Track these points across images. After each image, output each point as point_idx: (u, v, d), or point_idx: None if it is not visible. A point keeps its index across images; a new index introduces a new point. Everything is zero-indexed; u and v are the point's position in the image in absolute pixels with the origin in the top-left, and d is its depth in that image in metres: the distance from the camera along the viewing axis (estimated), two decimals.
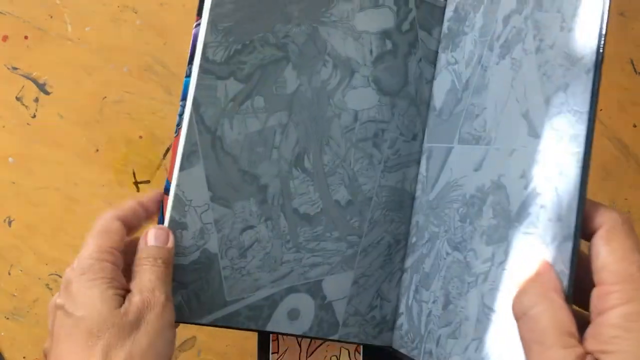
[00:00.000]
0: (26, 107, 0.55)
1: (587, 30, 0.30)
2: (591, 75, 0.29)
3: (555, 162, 0.30)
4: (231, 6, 0.38)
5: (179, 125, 0.39)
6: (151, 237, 0.36)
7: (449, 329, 0.36)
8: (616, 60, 0.55)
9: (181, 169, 0.38)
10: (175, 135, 0.39)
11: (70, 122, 0.55)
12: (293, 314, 0.41)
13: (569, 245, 0.29)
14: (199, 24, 0.38)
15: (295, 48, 0.40)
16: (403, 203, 0.42)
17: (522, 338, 0.29)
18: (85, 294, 0.33)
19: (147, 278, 0.35)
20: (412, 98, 0.42)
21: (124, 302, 0.34)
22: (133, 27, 0.56)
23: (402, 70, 0.42)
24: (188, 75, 0.39)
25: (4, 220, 0.55)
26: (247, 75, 0.39)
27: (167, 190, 0.39)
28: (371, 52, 0.41)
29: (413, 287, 0.40)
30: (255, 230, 0.39)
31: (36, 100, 0.55)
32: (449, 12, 0.42)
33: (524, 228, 0.32)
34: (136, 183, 0.55)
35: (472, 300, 0.35)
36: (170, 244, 0.37)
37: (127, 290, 0.35)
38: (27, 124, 0.55)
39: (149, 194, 0.39)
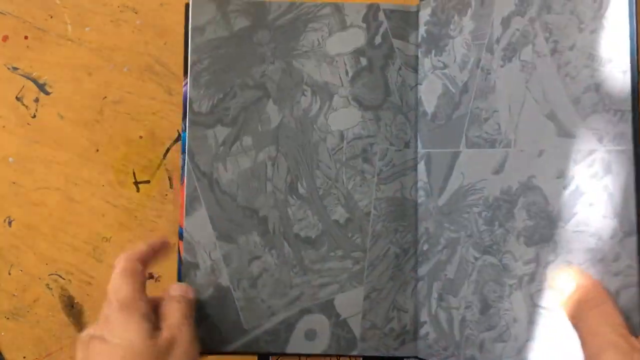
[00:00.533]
0: (26, 107, 0.55)
1: (614, 31, 0.30)
2: (629, 75, 0.29)
3: (600, 160, 0.30)
4: (208, 61, 0.42)
5: (183, 175, 0.42)
6: (174, 290, 0.41)
7: (494, 333, 0.36)
8: None
9: (187, 214, 0.41)
10: (181, 184, 0.42)
11: (70, 122, 0.55)
12: (310, 334, 0.41)
13: (633, 240, 0.30)
14: (187, 83, 0.42)
15: (273, 84, 0.42)
16: (406, 211, 0.42)
17: (578, 331, 0.31)
18: (122, 325, 0.37)
19: (174, 316, 0.38)
20: (398, 107, 0.42)
21: (154, 336, 0.37)
22: (133, 27, 0.56)
23: (381, 82, 0.42)
24: (184, 130, 0.42)
25: (4, 220, 0.54)
26: (232, 119, 0.42)
27: (181, 236, 0.42)
28: (347, 72, 0.42)
29: (435, 295, 0.40)
30: (261, 260, 0.42)
31: (36, 100, 0.55)
32: (424, 16, 0.42)
33: (573, 227, 0.32)
34: (136, 183, 0.55)
35: (518, 301, 0.34)
36: (190, 295, 0.41)
37: (158, 328, 0.38)
38: (27, 124, 0.55)
39: (156, 238, 0.42)
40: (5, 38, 0.55)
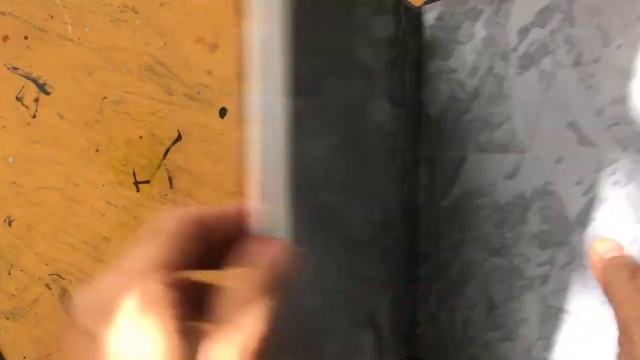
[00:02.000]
0: (26, 107, 0.55)
1: None
2: None
3: (623, 168, 0.31)
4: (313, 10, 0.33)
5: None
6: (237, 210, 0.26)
7: (501, 333, 0.36)
8: None
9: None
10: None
11: (70, 122, 0.55)
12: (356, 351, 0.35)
13: None
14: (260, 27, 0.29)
15: (337, 57, 0.34)
16: (408, 213, 0.41)
17: (610, 297, 0.30)
18: (137, 329, 0.22)
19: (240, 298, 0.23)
20: (408, 107, 0.40)
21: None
22: (133, 27, 0.55)
23: (401, 79, 0.40)
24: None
25: (4, 220, 0.54)
26: (315, 90, 0.32)
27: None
28: (383, 60, 0.38)
29: (434, 295, 0.40)
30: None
31: (36, 100, 0.55)
32: (429, 20, 0.41)
33: (592, 231, 0.32)
34: (136, 183, 0.54)
35: (530, 302, 0.35)
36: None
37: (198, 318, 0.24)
38: (27, 124, 0.55)
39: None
40: (5, 38, 0.54)
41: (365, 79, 0.37)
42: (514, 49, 0.37)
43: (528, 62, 0.36)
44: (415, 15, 0.42)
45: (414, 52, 0.42)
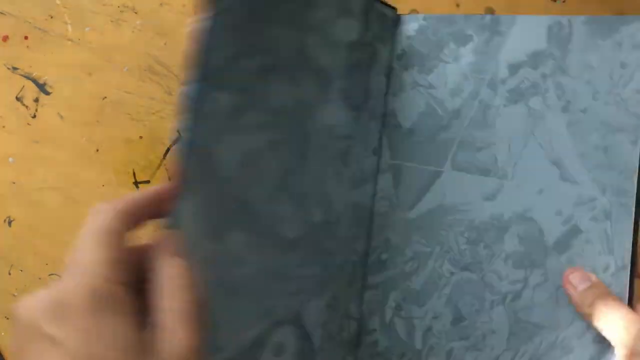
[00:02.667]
0: (26, 107, 0.55)
1: (630, 110, 0.33)
2: (638, 148, 0.33)
3: (602, 208, 0.34)
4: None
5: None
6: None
7: (468, 342, 0.37)
8: None
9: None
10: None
11: (70, 122, 0.55)
12: (278, 350, 0.35)
13: (625, 273, 0.33)
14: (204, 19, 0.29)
15: (284, 55, 0.34)
16: (364, 219, 0.40)
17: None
18: (90, 328, 0.24)
19: (174, 306, 0.26)
20: (371, 112, 0.40)
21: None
22: (133, 27, 0.55)
23: (365, 83, 0.39)
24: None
25: (4, 220, 0.54)
26: (242, 84, 0.32)
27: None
28: (342, 63, 0.37)
29: (392, 304, 0.39)
30: (244, 264, 0.33)
31: (36, 100, 0.55)
32: (409, 30, 0.40)
33: (567, 258, 0.35)
34: (136, 183, 0.54)
35: (500, 315, 0.36)
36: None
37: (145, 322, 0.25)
38: (27, 124, 0.55)
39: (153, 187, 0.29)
40: (5, 38, 0.54)
41: (317, 80, 0.37)
42: (503, 82, 0.38)
43: (517, 97, 0.37)
44: (391, 22, 0.42)
45: (385, 60, 0.42)
